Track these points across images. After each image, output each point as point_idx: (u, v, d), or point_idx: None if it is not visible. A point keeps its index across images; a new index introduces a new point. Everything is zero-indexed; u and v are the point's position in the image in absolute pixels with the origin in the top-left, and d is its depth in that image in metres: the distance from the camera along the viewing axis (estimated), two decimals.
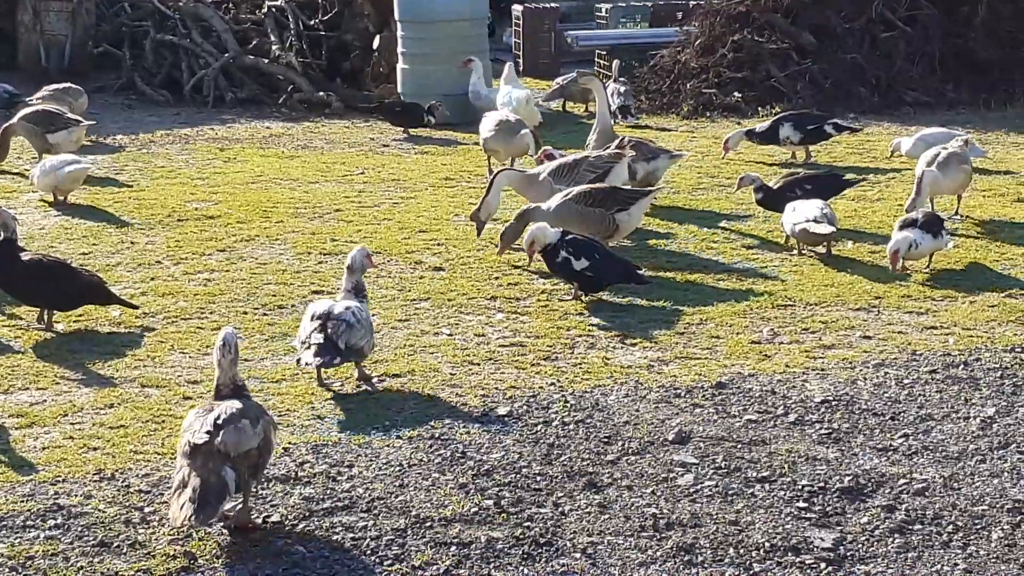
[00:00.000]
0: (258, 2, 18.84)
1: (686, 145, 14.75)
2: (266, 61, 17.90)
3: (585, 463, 6.74)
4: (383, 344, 8.38)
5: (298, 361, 7.70)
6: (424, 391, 7.69)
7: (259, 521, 6.07)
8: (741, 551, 5.89)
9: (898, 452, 6.89)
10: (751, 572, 5.75)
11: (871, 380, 7.87)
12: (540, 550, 5.90)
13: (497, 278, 9.92)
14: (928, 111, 16.72)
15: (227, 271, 10.04)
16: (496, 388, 7.73)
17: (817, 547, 5.92)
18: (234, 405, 5.95)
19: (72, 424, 7.21)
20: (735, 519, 6.16)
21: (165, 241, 10.87)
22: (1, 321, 8.93)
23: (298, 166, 13.95)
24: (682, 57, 17.79)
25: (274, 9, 18.49)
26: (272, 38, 18.11)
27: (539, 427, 7.17)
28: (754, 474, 6.61)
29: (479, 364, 8.15)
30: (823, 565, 5.79)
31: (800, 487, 6.47)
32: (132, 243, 10.83)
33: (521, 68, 19.59)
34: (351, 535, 6.01)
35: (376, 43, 18.23)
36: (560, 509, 6.26)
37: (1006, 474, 6.64)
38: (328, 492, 6.39)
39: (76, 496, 6.34)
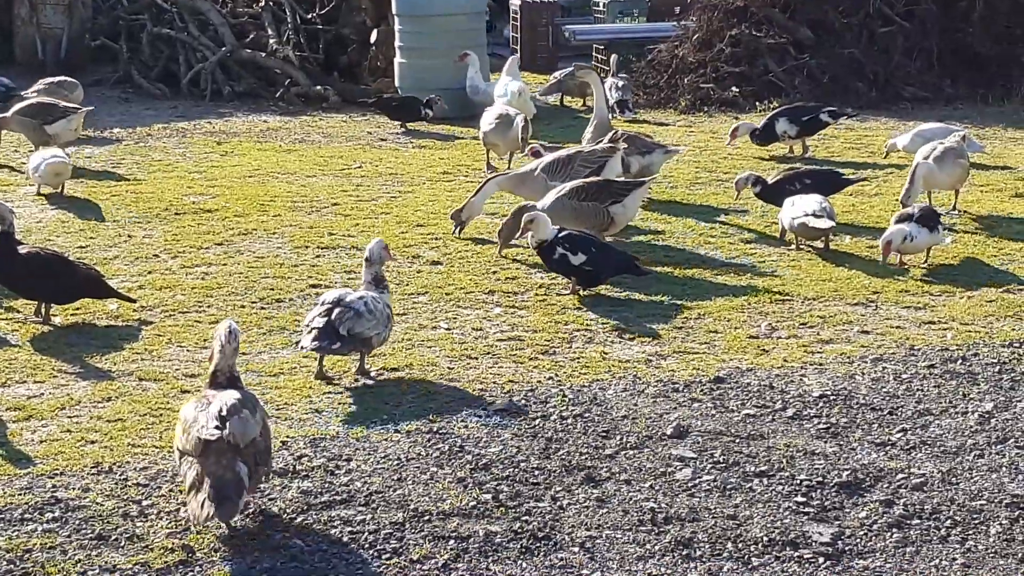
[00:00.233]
0: None
1: (684, 140, 14.75)
2: (263, 55, 17.89)
3: (583, 457, 6.73)
4: None
5: (297, 344, 7.70)
6: (422, 385, 7.68)
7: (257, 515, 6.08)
8: (739, 545, 5.89)
9: (896, 447, 6.89)
10: (749, 566, 5.75)
11: (869, 375, 7.87)
12: (538, 544, 5.90)
13: (495, 272, 9.91)
14: (926, 106, 16.72)
15: (224, 265, 10.04)
16: (494, 382, 7.72)
17: (815, 541, 5.92)
18: (231, 396, 5.94)
19: (70, 417, 7.20)
20: (733, 513, 6.16)
21: (162, 235, 10.86)
22: None
23: (295, 160, 13.94)
24: (680, 52, 17.77)
25: (271, 3, 18.47)
26: (269, 32, 18.09)
27: (537, 421, 7.17)
28: (752, 468, 6.61)
29: (477, 358, 8.14)
30: (821, 559, 5.79)
31: (798, 481, 6.47)
32: (129, 236, 10.82)
33: (519, 63, 19.54)
34: (349, 529, 6.00)
35: (373, 37, 18.21)
36: (558, 503, 6.26)
37: (1004, 469, 6.64)
38: (326, 486, 6.39)
39: (74, 489, 6.33)
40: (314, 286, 9.45)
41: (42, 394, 7.55)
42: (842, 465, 6.64)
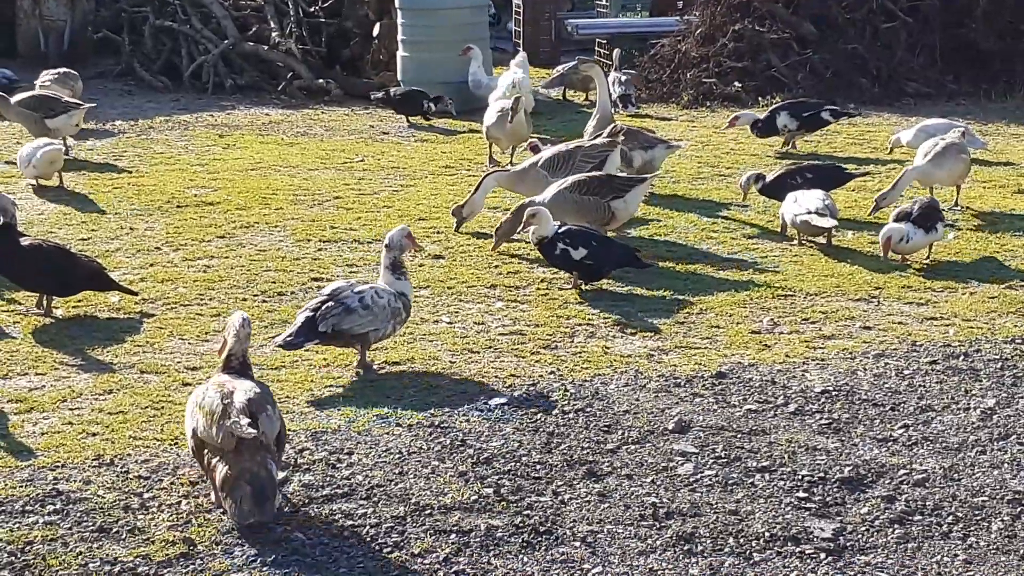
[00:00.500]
0: None
1: (686, 134, 14.74)
2: (266, 48, 17.86)
3: (585, 452, 6.73)
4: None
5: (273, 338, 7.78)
6: (424, 379, 7.68)
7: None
8: (741, 540, 5.89)
9: (898, 443, 6.89)
10: (751, 562, 5.74)
11: (871, 370, 7.86)
12: (540, 538, 5.90)
13: (497, 266, 9.91)
14: (929, 102, 16.70)
15: (226, 258, 10.03)
16: (496, 376, 7.72)
17: (817, 537, 5.92)
18: (251, 387, 5.98)
19: (71, 410, 7.20)
20: (735, 509, 6.16)
21: (164, 227, 10.86)
22: (0, 306, 8.91)
23: (297, 153, 13.93)
24: (682, 46, 17.75)
25: None
26: (272, 25, 18.06)
27: (539, 416, 7.17)
28: (754, 464, 6.60)
29: (479, 352, 8.14)
30: (823, 555, 5.79)
31: (800, 477, 6.46)
32: (131, 229, 10.81)
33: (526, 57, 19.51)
34: (351, 522, 6.00)
35: (376, 30, 18.19)
36: (560, 498, 6.26)
37: (1006, 465, 6.64)
38: (328, 479, 6.39)
39: (75, 482, 6.33)
40: (316, 279, 9.45)
41: (44, 386, 7.55)
42: (844, 461, 6.64)
